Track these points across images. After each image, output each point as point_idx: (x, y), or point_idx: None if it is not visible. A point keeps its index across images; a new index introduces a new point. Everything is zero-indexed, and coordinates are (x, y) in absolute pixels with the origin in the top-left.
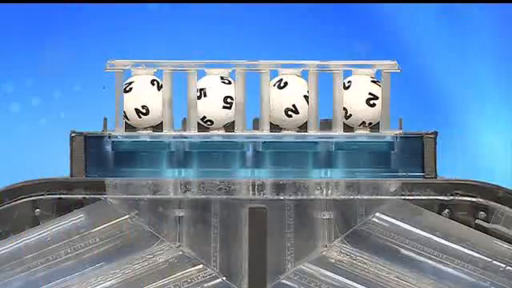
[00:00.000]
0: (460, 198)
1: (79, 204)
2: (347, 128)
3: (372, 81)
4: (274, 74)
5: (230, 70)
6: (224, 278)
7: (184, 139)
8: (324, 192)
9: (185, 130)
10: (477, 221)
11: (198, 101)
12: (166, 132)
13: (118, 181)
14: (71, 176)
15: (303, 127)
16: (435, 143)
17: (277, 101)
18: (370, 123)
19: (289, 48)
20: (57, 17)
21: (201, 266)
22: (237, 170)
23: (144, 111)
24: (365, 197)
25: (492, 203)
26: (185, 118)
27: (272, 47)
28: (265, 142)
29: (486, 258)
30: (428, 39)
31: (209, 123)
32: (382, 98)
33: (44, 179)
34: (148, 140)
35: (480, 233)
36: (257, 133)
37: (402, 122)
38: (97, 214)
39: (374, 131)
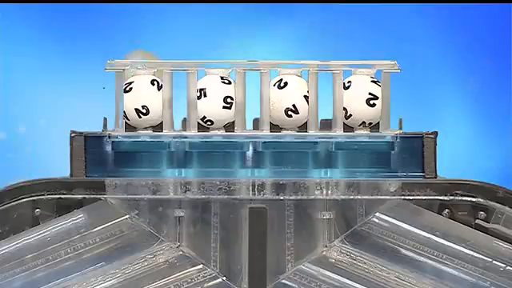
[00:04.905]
0: (460, 197)
1: (79, 204)
2: (347, 128)
3: (372, 81)
4: (274, 74)
5: (229, 70)
6: (224, 278)
7: (184, 139)
8: (324, 192)
9: (185, 130)
10: (477, 221)
11: (198, 101)
12: (165, 132)
13: (118, 181)
14: (71, 176)
15: (303, 127)
16: (435, 143)
17: (277, 101)
18: (370, 123)
19: (289, 48)
20: (56, 16)
21: (201, 266)
22: (237, 170)
23: (144, 111)
24: (365, 197)
25: (492, 203)
26: (185, 118)
27: (271, 47)
28: (265, 141)
29: (485, 258)
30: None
31: (209, 123)
32: (381, 97)
33: (44, 179)
34: (148, 140)
35: (480, 233)
36: (257, 133)
37: (402, 121)
38: (97, 214)
39: (374, 131)
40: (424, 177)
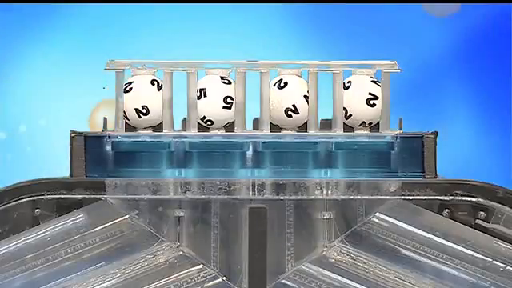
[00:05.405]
0: (460, 197)
1: (79, 204)
2: (347, 128)
3: (372, 81)
4: (274, 74)
5: (230, 70)
6: (224, 278)
7: (184, 139)
8: (324, 192)
9: (185, 130)
10: (477, 221)
11: (198, 101)
12: (165, 132)
13: (118, 181)
14: (71, 176)
15: (303, 127)
16: (435, 143)
17: (277, 101)
18: (370, 123)
19: (289, 48)
20: (56, 16)
21: (201, 266)
22: (237, 170)
23: (144, 111)
24: (365, 197)
25: (492, 203)
26: (185, 118)
27: (272, 47)
28: (265, 141)
29: (486, 258)
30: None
31: (209, 123)
32: (381, 97)
33: (44, 179)
34: (148, 140)
35: (480, 233)
36: (257, 133)
37: (402, 121)
38: (97, 214)
39: (374, 131)
40: (424, 177)
